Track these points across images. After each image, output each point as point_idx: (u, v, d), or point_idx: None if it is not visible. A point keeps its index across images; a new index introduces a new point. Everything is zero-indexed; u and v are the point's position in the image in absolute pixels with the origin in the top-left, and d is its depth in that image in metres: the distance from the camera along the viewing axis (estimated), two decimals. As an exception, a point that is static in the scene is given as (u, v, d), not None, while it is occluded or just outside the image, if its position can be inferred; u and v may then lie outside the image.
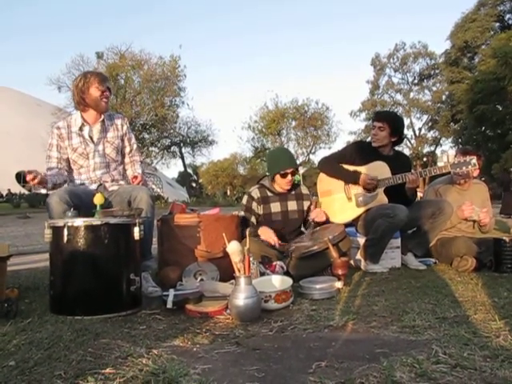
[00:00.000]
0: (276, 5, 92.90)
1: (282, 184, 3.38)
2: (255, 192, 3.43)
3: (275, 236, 3.17)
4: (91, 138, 2.97)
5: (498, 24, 30.92)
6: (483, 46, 30.11)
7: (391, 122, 3.61)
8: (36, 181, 2.62)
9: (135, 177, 2.96)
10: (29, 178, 2.60)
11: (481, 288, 2.60)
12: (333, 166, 3.68)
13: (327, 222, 3.38)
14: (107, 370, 1.43)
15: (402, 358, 1.45)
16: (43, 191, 2.98)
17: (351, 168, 3.59)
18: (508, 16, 31.20)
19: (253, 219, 3.39)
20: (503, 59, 23.27)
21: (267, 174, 3.52)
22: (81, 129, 2.95)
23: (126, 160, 3.14)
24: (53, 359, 1.54)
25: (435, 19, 64.66)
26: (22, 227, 10.69)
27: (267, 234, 3.19)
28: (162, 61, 29.10)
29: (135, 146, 3.18)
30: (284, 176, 3.32)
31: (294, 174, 3.35)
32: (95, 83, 2.90)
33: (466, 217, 3.57)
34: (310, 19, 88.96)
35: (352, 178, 3.56)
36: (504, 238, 3.26)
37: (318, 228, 3.29)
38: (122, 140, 3.09)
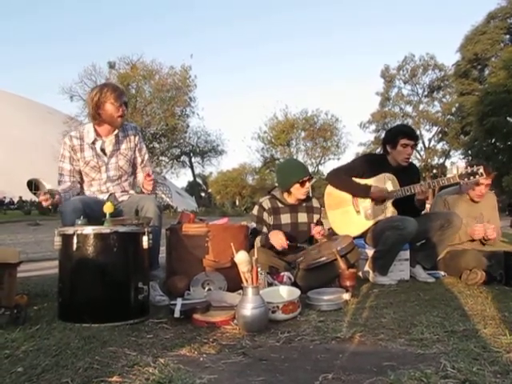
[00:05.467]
0: (288, 15, 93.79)
1: (298, 194, 3.37)
2: (266, 202, 3.43)
3: (284, 237, 3.15)
4: (103, 150, 2.93)
5: (508, 36, 30.87)
6: (493, 59, 30.06)
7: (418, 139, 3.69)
8: (48, 203, 2.60)
9: (148, 174, 2.93)
10: (42, 198, 2.57)
11: (490, 302, 2.57)
12: (342, 179, 3.66)
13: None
14: (114, 379, 1.43)
15: (409, 372, 1.43)
16: None
17: (361, 181, 3.58)
18: (518, 29, 31.16)
19: (264, 230, 3.37)
20: (514, 71, 23.22)
21: (276, 184, 3.52)
22: (93, 142, 2.91)
23: (138, 170, 3.13)
24: (60, 366, 1.54)
25: (444, 31, 64.77)
26: (32, 234, 10.77)
27: (276, 238, 3.15)
28: (172, 70, 29.47)
29: (147, 157, 3.16)
30: (303, 184, 3.33)
31: (310, 180, 3.37)
32: (111, 99, 2.82)
33: (477, 238, 3.56)
34: (321, 29, 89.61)
35: (363, 192, 3.55)
36: (515, 251, 3.23)
37: (324, 240, 3.27)
38: (134, 151, 3.07)
